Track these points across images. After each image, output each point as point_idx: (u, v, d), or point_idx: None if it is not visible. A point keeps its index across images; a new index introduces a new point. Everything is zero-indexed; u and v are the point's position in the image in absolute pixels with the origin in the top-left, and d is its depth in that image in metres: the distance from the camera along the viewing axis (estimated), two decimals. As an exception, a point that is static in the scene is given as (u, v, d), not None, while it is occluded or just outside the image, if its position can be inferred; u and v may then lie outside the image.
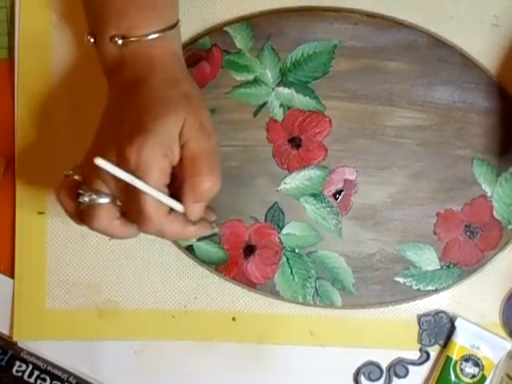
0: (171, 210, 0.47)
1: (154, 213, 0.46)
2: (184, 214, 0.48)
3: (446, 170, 0.59)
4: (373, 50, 0.58)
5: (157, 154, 0.45)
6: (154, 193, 0.46)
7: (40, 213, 0.59)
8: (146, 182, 0.45)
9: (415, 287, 0.59)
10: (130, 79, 0.49)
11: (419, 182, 0.59)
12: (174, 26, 0.51)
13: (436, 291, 0.59)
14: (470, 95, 0.59)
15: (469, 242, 0.60)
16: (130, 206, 0.47)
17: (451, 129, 0.59)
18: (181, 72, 0.50)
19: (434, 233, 0.59)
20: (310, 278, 0.59)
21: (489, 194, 0.59)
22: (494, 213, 0.60)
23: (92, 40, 0.51)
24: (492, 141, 0.59)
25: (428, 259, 0.59)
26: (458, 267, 0.59)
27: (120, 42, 0.49)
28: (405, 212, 0.59)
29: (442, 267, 0.59)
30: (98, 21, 0.50)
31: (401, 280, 0.59)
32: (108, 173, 0.45)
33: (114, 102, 0.50)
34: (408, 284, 0.59)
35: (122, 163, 0.45)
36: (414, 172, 0.59)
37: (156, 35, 0.49)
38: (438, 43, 0.59)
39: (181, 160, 0.47)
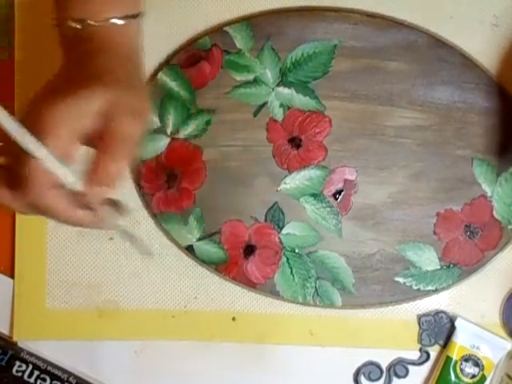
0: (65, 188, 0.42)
1: (36, 180, 0.41)
2: (76, 195, 0.43)
3: (446, 170, 0.59)
4: (373, 50, 0.58)
5: (73, 113, 0.42)
6: (44, 156, 0.39)
7: (40, 213, 0.59)
8: (53, 130, 0.41)
9: (415, 287, 0.59)
10: (82, 52, 0.48)
11: (419, 182, 0.59)
12: (136, 16, 0.50)
13: (436, 291, 0.59)
14: (470, 95, 0.59)
15: (469, 242, 0.59)
16: (16, 168, 0.41)
17: (451, 129, 0.59)
18: (135, 54, 0.49)
19: (434, 233, 0.59)
20: (309, 277, 0.59)
21: (489, 194, 0.59)
22: (494, 213, 0.59)
23: (55, 22, 0.50)
24: (492, 141, 0.59)
25: (428, 259, 0.59)
26: (457, 267, 0.59)
27: (79, 26, 0.48)
28: (405, 212, 0.59)
29: (442, 267, 0.59)
30: (62, 4, 0.50)
31: (401, 280, 0.59)
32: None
33: (63, 68, 0.48)
34: (408, 284, 0.59)
35: (33, 115, 0.42)
36: (414, 172, 0.59)
37: (117, 21, 0.48)
38: (438, 43, 0.58)
39: (98, 138, 0.43)
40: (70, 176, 0.42)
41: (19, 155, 0.41)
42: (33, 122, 0.42)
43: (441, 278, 0.59)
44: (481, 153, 0.59)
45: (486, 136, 0.59)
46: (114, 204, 0.47)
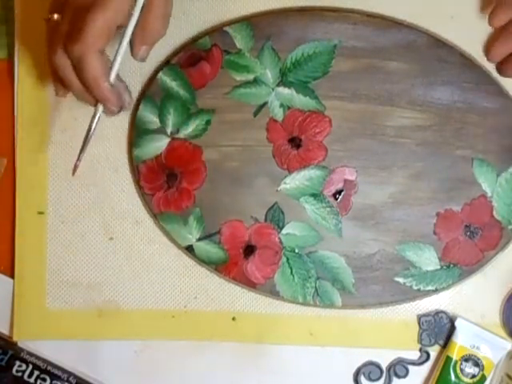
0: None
1: (92, 32, 0.47)
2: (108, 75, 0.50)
3: (446, 170, 0.59)
4: (373, 50, 0.58)
5: None
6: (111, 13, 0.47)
7: (40, 213, 0.59)
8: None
9: (415, 287, 0.58)
10: None
11: (419, 182, 0.59)
12: None
13: (436, 291, 0.59)
14: (470, 95, 0.58)
15: (469, 242, 0.59)
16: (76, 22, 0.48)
17: (451, 129, 0.59)
18: None
19: (434, 233, 0.59)
20: (310, 278, 0.58)
21: (489, 194, 0.59)
22: (494, 213, 0.59)
23: None
24: (492, 141, 0.59)
25: (428, 259, 0.59)
26: (458, 267, 0.59)
27: None
28: (405, 212, 0.59)
29: (442, 267, 0.59)
30: None
31: (401, 280, 0.59)
32: None
33: None
34: (408, 284, 0.59)
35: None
36: (414, 172, 0.59)
37: None
38: (438, 43, 0.58)
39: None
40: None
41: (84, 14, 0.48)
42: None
43: (441, 278, 0.59)
44: (481, 153, 0.59)
45: (486, 136, 0.59)
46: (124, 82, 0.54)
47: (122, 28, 0.50)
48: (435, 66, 0.58)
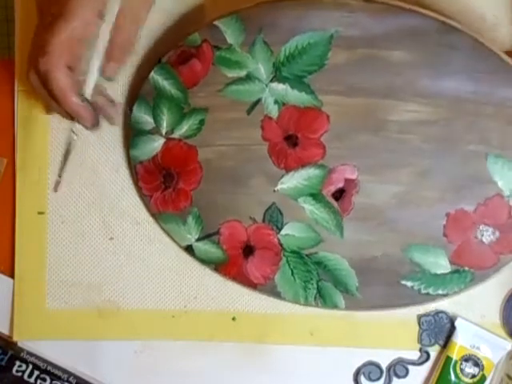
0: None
1: (57, 48, 0.47)
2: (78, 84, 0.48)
3: (456, 168, 0.54)
4: (372, 39, 0.53)
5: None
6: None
7: (40, 213, 0.59)
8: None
9: (424, 291, 0.55)
10: None
11: (426, 180, 0.54)
12: None
13: (446, 296, 0.55)
14: (484, 85, 0.53)
15: (482, 244, 0.54)
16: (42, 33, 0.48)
17: (462, 123, 0.53)
18: None
19: (444, 235, 0.55)
20: (311, 279, 0.56)
21: (506, 193, 0.54)
22: (514, 213, 0.54)
23: None
24: (509, 135, 0.53)
25: (437, 262, 0.55)
26: (469, 271, 0.54)
27: None
28: (411, 213, 0.55)
29: (452, 271, 0.55)
30: None
31: (408, 283, 0.55)
32: None
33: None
34: (416, 288, 0.55)
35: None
36: (420, 170, 0.54)
37: None
38: (446, 28, 0.52)
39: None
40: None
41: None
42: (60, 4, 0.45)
43: (451, 282, 0.55)
44: (496, 148, 0.53)
45: (502, 130, 0.53)
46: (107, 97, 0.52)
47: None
48: (443, 54, 0.53)
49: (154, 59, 0.56)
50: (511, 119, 0.53)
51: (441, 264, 0.55)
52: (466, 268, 0.55)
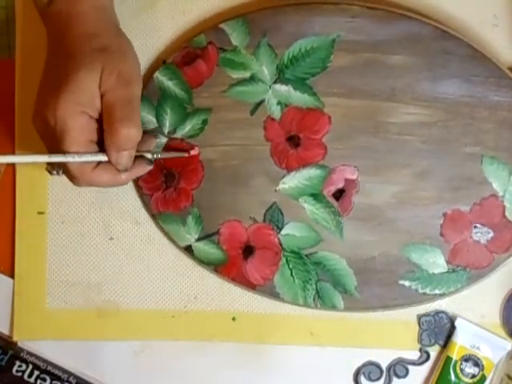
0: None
1: (79, 173, 0.48)
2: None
3: (453, 169, 0.55)
4: (374, 44, 0.54)
5: (72, 112, 0.46)
6: (71, 159, 0.47)
7: (40, 213, 0.58)
8: (66, 142, 0.46)
9: (421, 291, 0.56)
10: (52, 36, 0.50)
11: (424, 181, 0.56)
12: None
13: (443, 295, 0.56)
14: (479, 89, 0.55)
15: (478, 244, 0.56)
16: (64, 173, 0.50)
17: (459, 125, 0.55)
18: (101, 25, 0.50)
19: (441, 234, 0.56)
20: (310, 279, 0.57)
21: (500, 194, 0.55)
22: (507, 213, 0.55)
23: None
24: (503, 137, 0.55)
25: (434, 262, 0.56)
26: (466, 270, 0.56)
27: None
28: (409, 213, 0.56)
29: (449, 270, 0.56)
30: None
31: (406, 283, 0.56)
32: None
33: (48, 58, 0.51)
34: (414, 287, 0.56)
35: (45, 126, 0.47)
36: (418, 171, 0.56)
37: None
38: (444, 35, 0.54)
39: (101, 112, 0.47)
40: (97, 156, 0.48)
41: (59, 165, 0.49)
42: (48, 129, 0.47)
43: (448, 281, 0.56)
44: (491, 150, 0.55)
45: (496, 132, 0.55)
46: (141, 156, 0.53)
47: None
48: (441, 58, 0.54)
49: (158, 60, 0.57)
50: (504, 122, 0.55)
51: (438, 263, 0.56)
52: (463, 267, 0.56)
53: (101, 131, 0.48)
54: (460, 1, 0.57)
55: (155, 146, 0.55)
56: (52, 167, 0.50)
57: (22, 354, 0.57)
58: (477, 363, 0.57)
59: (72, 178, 0.49)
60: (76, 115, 0.46)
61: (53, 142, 0.48)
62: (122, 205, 0.59)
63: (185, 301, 0.58)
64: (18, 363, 0.56)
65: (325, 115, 0.56)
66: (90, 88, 0.47)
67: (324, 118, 0.56)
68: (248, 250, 0.57)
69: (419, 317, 0.58)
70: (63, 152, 0.47)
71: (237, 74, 0.56)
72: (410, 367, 0.58)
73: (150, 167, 0.53)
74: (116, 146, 0.48)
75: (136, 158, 0.51)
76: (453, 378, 0.57)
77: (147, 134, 0.55)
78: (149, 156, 0.53)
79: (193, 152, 0.55)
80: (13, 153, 0.59)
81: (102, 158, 0.49)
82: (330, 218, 0.56)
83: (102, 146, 0.49)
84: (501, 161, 0.55)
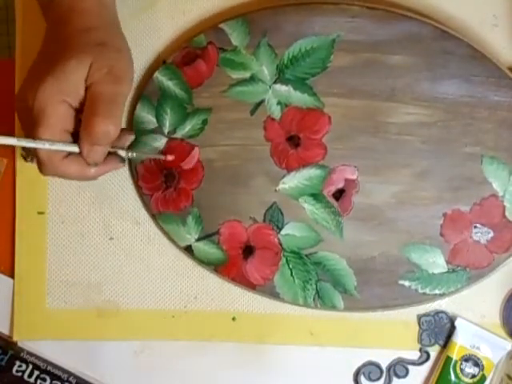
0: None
1: (47, 160, 0.48)
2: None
3: (452, 169, 0.55)
4: (374, 44, 0.54)
5: (52, 99, 0.46)
6: (41, 145, 0.47)
7: (40, 213, 0.58)
8: (41, 127, 0.46)
9: (421, 291, 0.56)
10: (51, 27, 0.50)
11: (424, 181, 0.56)
12: None
13: (443, 295, 0.56)
14: (479, 89, 0.55)
15: (478, 244, 0.56)
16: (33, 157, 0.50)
17: (459, 125, 0.55)
18: (102, 21, 0.50)
19: (441, 234, 0.56)
20: (310, 279, 0.57)
21: (500, 194, 0.55)
22: (507, 213, 0.55)
23: None
24: (503, 137, 0.55)
25: (434, 262, 0.56)
26: (466, 270, 0.56)
27: None
28: (409, 213, 0.56)
29: (449, 270, 0.56)
30: None
31: (406, 283, 0.56)
32: None
33: (43, 45, 0.50)
34: (413, 287, 0.56)
35: (25, 107, 0.47)
36: (418, 171, 0.56)
37: None
38: (444, 35, 0.54)
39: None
40: (69, 146, 0.48)
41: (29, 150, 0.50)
42: (25, 109, 0.47)
43: (448, 281, 0.56)
44: (491, 150, 0.55)
45: (496, 132, 0.55)
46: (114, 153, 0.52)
47: None
48: (441, 58, 0.54)
49: (158, 60, 0.57)
50: (504, 122, 0.55)
51: (438, 263, 0.56)
52: (463, 267, 0.56)
53: (78, 122, 0.48)
54: (460, 1, 0.57)
55: (137, 143, 0.55)
56: (27, 153, 0.50)
57: (22, 354, 0.57)
58: (477, 363, 0.57)
59: (40, 164, 0.49)
60: (56, 103, 0.46)
61: (28, 125, 0.48)
62: (122, 205, 0.59)
63: (185, 301, 0.58)
64: (18, 363, 0.56)
65: (325, 115, 0.56)
66: (76, 78, 0.46)
67: (324, 118, 0.56)
68: (248, 250, 0.57)
69: (419, 317, 0.58)
70: (35, 137, 0.47)
71: (237, 74, 0.56)
72: (410, 367, 0.58)
73: (122, 165, 0.53)
74: (90, 140, 0.47)
75: (109, 154, 0.50)
76: (453, 378, 0.57)
77: (125, 130, 0.54)
78: (122, 154, 0.53)
79: (169, 157, 0.55)
80: (12, 153, 0.59)
81: (74, 148, 0.48)
82: (330, 218, 0.56)
83: (76, 138, 0.48)
84: (501, 161, 0.55)
